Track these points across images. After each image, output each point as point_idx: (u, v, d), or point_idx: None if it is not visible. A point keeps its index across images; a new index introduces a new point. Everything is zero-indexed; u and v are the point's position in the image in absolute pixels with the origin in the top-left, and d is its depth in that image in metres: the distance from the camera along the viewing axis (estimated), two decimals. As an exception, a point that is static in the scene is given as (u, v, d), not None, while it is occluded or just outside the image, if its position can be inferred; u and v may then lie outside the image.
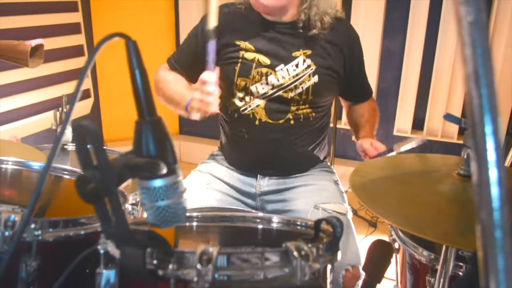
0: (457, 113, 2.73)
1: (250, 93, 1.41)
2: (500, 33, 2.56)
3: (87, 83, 3.03)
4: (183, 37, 3.28)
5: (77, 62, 2.85)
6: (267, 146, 1.44)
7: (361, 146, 1.42)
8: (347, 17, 2.77)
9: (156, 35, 3.29)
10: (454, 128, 2.82)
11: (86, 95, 3.02)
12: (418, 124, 2.90)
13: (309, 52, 1.41)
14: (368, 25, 2.83)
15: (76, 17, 2.88)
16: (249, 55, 1.41)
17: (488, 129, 0.35)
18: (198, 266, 0.59)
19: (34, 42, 1.35)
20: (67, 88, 2.72)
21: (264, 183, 1.47)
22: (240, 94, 1.43)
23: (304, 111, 1.43)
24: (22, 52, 1.34)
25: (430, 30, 2.71)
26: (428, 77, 2.79)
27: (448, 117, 1.02)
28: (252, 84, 1.40)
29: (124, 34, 0.60)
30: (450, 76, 2.73)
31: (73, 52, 2.87)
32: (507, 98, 2.60)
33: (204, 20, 1.46)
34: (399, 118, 2.92)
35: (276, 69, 1.40)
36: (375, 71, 2.88)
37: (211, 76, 1.26)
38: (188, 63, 1.51)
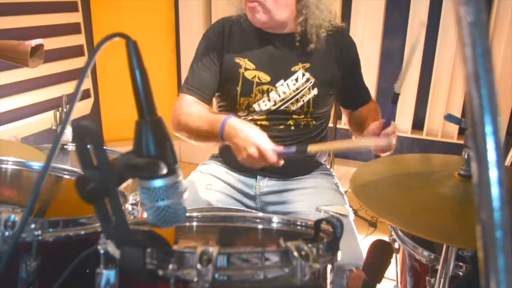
0: (457, 113, 2.73)
1: (253, 111, 1.43)
2: (500, 33, 2.56)
3: (87, 83, 3.03)
4: (183, 37, 3.32)
5: (77, 62, 2.85)
6: None
7: (369, 131, 1.34)
8: (347, 17, 2.78)
9: (156, 35, 3.29)
10: (454, 128, 2.82)
11: (86, 95, 3.02)
12: (418, 124, 2.90)
13: (307, 65, 1.43)
14: (368, 25, 2.83)
15: (76, 17, 2.88)
16: (249, 74, 1.42)
17: (488, 129, 0.35)
18: (198, 266, 0.59)
19: (34, 42, 1.35)
20: (67, 88, 2.72)
21: (264, 184, 1.48)
22: (243, 113, 1.44)
23: (305, 120, 1.45)
24: (22, 52, 1.34)
25: (430, 30, 2.71)
26: (428, 77, 2.79)
27: (449, 117, 1.02)
28: (254, 103, 1.42)
29: (124, 34, 0.60)
30: (450, 76, 2.73)
31: (73, 52, 2.86)
32: (507, 98, 2.60)
33: (208, 35, 1.46)
34: (399, 118, 2.92)
35: (277, 85, 1.41)
36: (375, 71, 2.88)
37: (269, 147, 1.18)
38: (206, 81, 1.43)
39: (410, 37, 2.76)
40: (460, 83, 2.73)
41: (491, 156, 0.35)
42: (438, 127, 2.84)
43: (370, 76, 2.81)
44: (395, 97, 1.28)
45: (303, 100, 1.42)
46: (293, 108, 1.42)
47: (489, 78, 0.35)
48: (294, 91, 1.41)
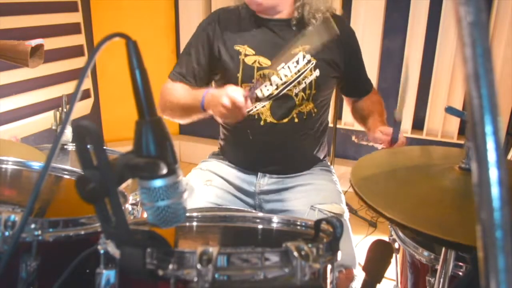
0: (457, 113, 2.72)
1: (256, 97, 1.42)
2: (500, 33, 2.56)
3: (87, 83, 3.03)
4: (183, 37, 3.32)
5: (77, 62, 2.85)
6: (272, 146, 1.45)
7: (374, 138, 1.39)
8: (347, 17, 2.78)
9: (156, 35, 3.29)
10: (454, 128, 2.82)
11: (86, 95, 3.02)
12: (418, 124, 2.90)
13: (307, 47, 1.43)
14: (368, 25, 2.83)
15: (76, 17, 2.88)
16: (249, 59, 1.42)
17: (488, 129, 0.35)
18: (198, 266, 0.59)
19: (34, 42, 1.35)
20: (67, 88, 2.72)
21: (264, 182, 1.48)
22: None
23: (308, 107, 1.45)
24: (22, 52, 1.34)
25: (430, 30, 2.71)
26: (428, 77, 2.79)
27: (450, 110, 1.01)
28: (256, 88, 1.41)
29: (124, 34, 0.60)
30: (450, 76, 2.73)
31: (73, 52, 2.86)
32: (507, 98, 2.60)
33: (203, 25, 1.47)
34: (399, 118, 2.92)
35: (278, 68, 1.41)
36: (375, 71, 2.88)
37: (238, 93, 1.20)
38: (194, 69, 1.47)
39: (410, 37, 2.76)
40: (460, 83, 2.73)
41: (491, 156, 0.35)
42: (438, 127, 2.84)
43: (370, 76, 2.79)
44: (397, 122, 1.30)
45: (305, 82, 1.42)
46: (296, 91, 1.42)
47: (489, 78, 0.35)
48: (295, 73, 1.41)
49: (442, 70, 2.75)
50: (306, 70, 1.42)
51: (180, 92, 1.43)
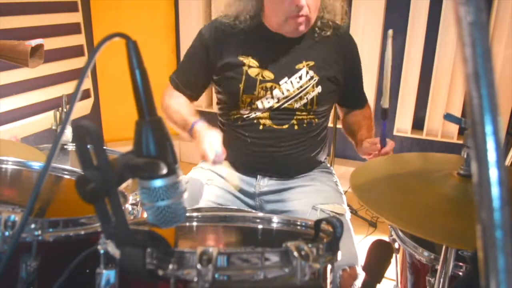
0: (457, 113, 2.73)
1: (256, 108, 1.43)
2: (500, 33, 2.56)
3: (87, 83, 3.03)
4: (183, 37, 3.32)
5: (77, 62, 2.85)
6: (270, 150, 1.45)
7: (362, 150, 1.42)
8: (347, 17, 2.77)
9: (156, 35, 3.29)
10: (454, 128, 2.82)
11: (86, 95, 3.02)
12: (418, 124, 2.90)
13: (311, 63, 1.43)
14: (368, 25, 2.83)
15: (76, 17, 2.88)
16: (252, 71, 1.41)
17: (488, 129, 0.35)
18: (198, 266, 0.59)
19: (34, 42, 1.35)
20: (67, 88, 2.72)
21: (264, 183, 1.48)
22: (246, 110, 1.44)
23: (308, 117, 1.45)
24: (22, 52, 1.34)
25: (430, 30, 2.71)
26: (428, 77, 2.78)
27: (448, 117, 1.01)
28: (257, 100, 1.42)
29: (124, 34, 0.60)
30: (450, 76, 2.73)
31: (73, 52, 2.86)
32: (507, 98, 2.60)
33: (203, 35, 1.49)
34: (399, 118, 2.92)
35: (280, 82, 1.41)
36: (375, 72, 2.88)
37: (211, 152, 1.26)
38: (191, 81, 1.53)
39: (410, 37, 2.76)
40: (460, 83, 2.73)
41: (491, 156, 0.35)
42: (438, 127, 2.84)
43: (370, 76, 2.80)
44: (384, 113, 1.33)
45: (306, 98, 1.42)
46: (297, 105, 1.42)
47: (489, 78, 0.35)
48: (298, 88, 1.41)
49: (442, 70, 2.75)
50: (308, 86, 1.42)
51: (177, 107, 1.48)
